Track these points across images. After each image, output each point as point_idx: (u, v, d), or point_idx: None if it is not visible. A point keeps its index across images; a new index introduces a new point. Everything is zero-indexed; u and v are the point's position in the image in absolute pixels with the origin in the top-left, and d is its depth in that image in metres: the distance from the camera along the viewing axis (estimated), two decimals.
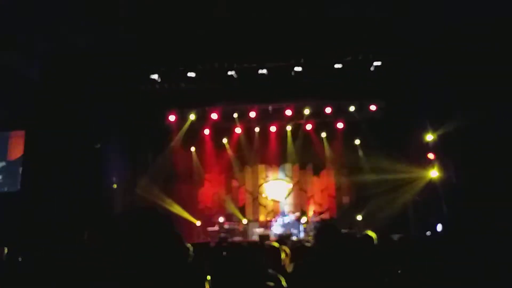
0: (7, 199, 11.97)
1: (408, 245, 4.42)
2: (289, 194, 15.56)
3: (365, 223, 13.03)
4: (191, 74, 11.39)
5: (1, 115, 13.56)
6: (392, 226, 10.87)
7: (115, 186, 12.61)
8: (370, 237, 5.01)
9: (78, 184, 10.38)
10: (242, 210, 15.38)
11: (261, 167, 15.79)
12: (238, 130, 15.20)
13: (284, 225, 13.57)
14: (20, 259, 4.32)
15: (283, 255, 4.39)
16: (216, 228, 13.92)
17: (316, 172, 15.57)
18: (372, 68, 11.13)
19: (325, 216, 14.81)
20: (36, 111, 10.89)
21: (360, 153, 14.78)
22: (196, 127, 14.98)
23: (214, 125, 14.91)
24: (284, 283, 3.08)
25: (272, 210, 15.20)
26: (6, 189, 13.31)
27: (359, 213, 14.08)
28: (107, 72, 11.39)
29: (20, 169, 12.47)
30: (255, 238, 12.85)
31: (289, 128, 15.21)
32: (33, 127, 11.26)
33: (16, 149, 13.35)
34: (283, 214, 13.89)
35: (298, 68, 11.15)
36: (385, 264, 3.56)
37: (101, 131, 11.35)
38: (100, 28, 9.70)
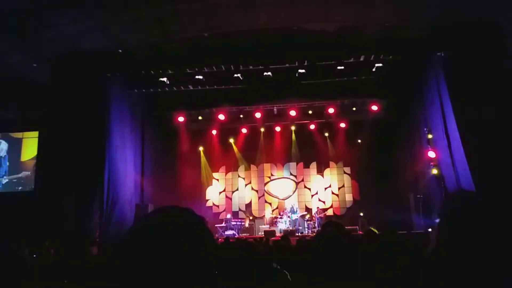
0: (22, 199, 12.29)
1: (410, 242, 4.67)
2: (293, 193, 15.91)
3: (368, 220, 13.31)
4: (199, 77, 11.70)
5: (15, 116, 13.92)
6: (395, 222, 11.13)
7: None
8: (374, 234, 5.33)
9: (90, 183, 10.65)
10: (249, 208, 15.80)
11: (266, 165, 16.20)
12: (244, 130, 15.64)
13: (291, 222, 13.94)
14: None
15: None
16: (223, 225, 14.29)
17: (320, 170, 15.94)
18: (374, 69, 11.36)
19: (329, 213, 15.15)
20: (48, 112, 11.11)
21: (363, 151, 15.10)
22: (204, 128, 15.43)
23: (221, 126, 15.35)
24: (289, 277, 3.32)
25: (277, 207, 15.55)
26: (20, 188, 13.71)
27: (362, 210, 14.39)
28: (118, 74, 11.71)
29: (34, 169, 12.85)
30: (261, 234, 13.17)
31: (293, 128, 15.63)
32: (46, 128, 11.50)
33: (30, 149, 13.74)
34: (292, 211, 14.23)
35: (301, 70, 11.41)
36: (388, 260, 3.81)
37: (112, 131, 11.60)
38: (111, 30, 9.95)
